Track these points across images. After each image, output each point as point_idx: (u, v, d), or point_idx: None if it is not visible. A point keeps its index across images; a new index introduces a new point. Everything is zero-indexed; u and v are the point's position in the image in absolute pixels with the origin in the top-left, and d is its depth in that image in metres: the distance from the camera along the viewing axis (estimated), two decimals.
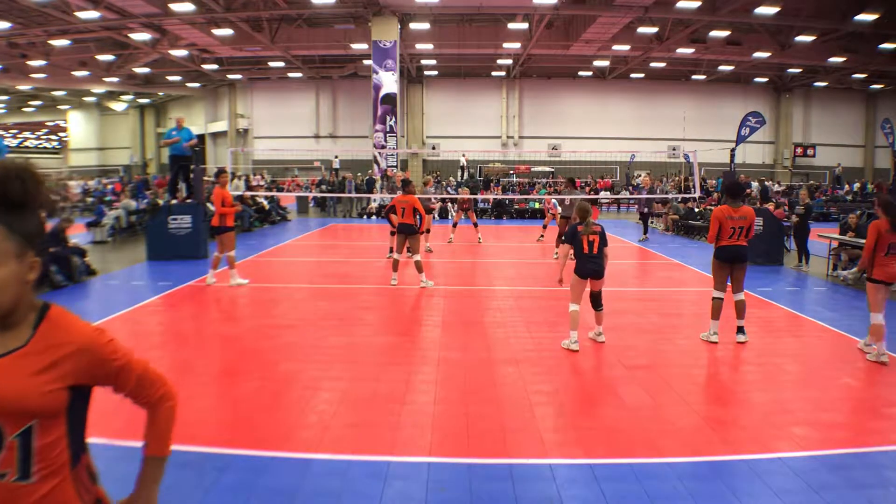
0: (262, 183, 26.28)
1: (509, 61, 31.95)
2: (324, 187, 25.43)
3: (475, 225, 15.72)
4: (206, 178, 15.27)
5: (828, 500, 3.53)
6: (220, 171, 10.30)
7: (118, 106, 43.17)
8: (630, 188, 27.70)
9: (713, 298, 6.76)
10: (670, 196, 19.24)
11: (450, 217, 20.83)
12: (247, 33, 26.26)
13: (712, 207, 14.38)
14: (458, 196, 15.93)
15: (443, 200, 21.38)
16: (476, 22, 28.23)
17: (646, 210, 17.28)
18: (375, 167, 26.24)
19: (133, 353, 1.61)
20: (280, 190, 27.03)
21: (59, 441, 1.47)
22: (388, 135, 26.07)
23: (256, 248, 14.25)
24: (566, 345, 6.53)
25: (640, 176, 27.65)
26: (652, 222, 20.55)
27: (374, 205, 22.81)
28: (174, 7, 22.06)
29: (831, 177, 32.01)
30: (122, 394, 1.62)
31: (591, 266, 6.52)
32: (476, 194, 22.15)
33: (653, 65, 32.16)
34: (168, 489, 3.50)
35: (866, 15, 22.27)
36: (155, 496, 1.69)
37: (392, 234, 12.46)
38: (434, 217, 21.34)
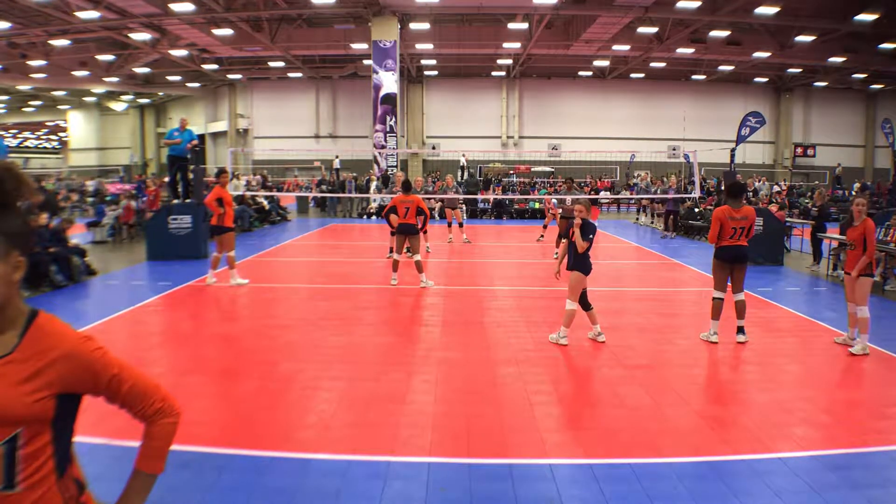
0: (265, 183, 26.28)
1: (509, 61, 31.94)
2: (324, 187, 25.43)
3: (460, 225, 15.62)
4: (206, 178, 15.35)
5: (828, 500, 3.53)
6: (221, 171, 10.35)
7: (118, 106, 43.18)
8: (630, 188, 27.69)
9: (713, 298, 6.76)
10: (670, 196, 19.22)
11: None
12: (247, 33, 26.26)
13: (712, 208, 14.39)
14: (446, 198, 15.90)
15: (441, 201, 21.36)
16: (476, 22, 28.23)
17: (672, 207, 17.35)
18: (375, 167, 26.23)
19: (125, 364, 1.57)
20: (279, 190, 27.00)
21: (43, 450, 1.45)
22: (388, 135, 26.06)
23: (256, 248, 14.25)
24: (554, 339, 6.59)
25: (638, 175, 27.63)
26: (652, 222, 20.57)
27: (374, 205, 22.80)
28: (174, 7, 22.05)
29: (831, 177, 32.02)
30: (115, 405, 1.58)
31: (590, 262, 6.55)
32: (476, 194, 22.16)
33: (653, 65, 32.15)
34: (168, 489, 3.51)
35: (866, 15, 22.26)
36: None
37: (392, 234, 12.46)
38: (434, 216, 21.36)
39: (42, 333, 1.45)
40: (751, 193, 22.04)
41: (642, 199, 21.60)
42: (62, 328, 1.48)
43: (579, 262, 6.47)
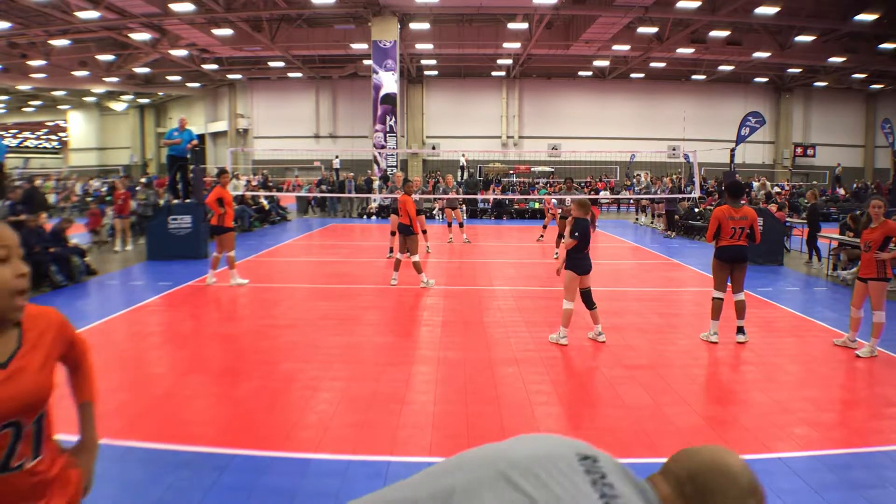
0: (265, 183, 26.25)
1: (509, 61, 31.95)
2: (324, 187, 25.43)
3: (461, 225, 15.62)
4: (208, 178, 15.30)
5: (828, 500, 3.53)
6: (222, 171, 10.34)
7: (118, 106, 43.17)
8: (629, 188, 27.70)
9: (713, 298, 6.76)
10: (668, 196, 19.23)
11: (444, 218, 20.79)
12: (247, 33, 26.26)
13: (711, 208, 14.38)
14: (447, 198, 15.94)
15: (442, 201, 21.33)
16: (476, 22, 28.23)
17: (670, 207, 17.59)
18: (375, 167, 26.23)
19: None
20: (279, 190, 27.00)
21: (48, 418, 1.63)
22: (388, 135, 26.06)
23: (256, 248, 14.25)
24: (554, 339, 6.59)
25: (636, 176, 27.67)
26: (652, 222, 20.57)
27: (374, 205, 22.80)
28: (174, 7, 22.06)
29: (831, 177, 32.04)
30: (67, 363, 1.77)
31: (587, 262, 6.57)
32: (476, 194, 22.16)
33: (653, 65, 32.15)
34: (168, 489, 3.52)
35: (866, 15, 22.27)
36: (97, 436, 1.86)
37: (392, 234, 12.47)
38: (434, 217, 21.36)
39: (32, 319, 1.59)
40: (764, 196, 21.83)
41: (641, 199, 21.60)
42: (40, 308, 1.65)
43: (572, 261, 6.52)
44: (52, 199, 24.72)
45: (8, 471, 1.47)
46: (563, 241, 12.73)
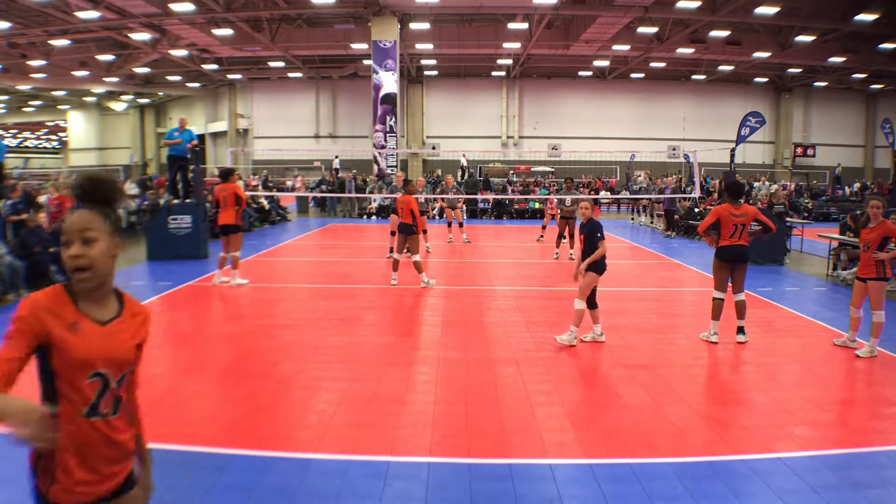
0: (263, 183, 26.24)
1: (509, 61, 31.95)
2: (323, 187, 25.41)
3: (461, 225, 15.61)
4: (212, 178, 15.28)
5: (828, 500, 3.53)
6: (231, 171, 10.24)
7: (118, 106, 43.18)
8: (628, 188, 27.69)
9: (713, 299, 6.75)
10: (668, 196, 19.22)
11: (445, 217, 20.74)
12: (247, 33, 26.27)
13: (711, 208, 14.37)
14: (445, 198, 15.96)
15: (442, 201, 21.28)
16: (476, 22, 28.24)
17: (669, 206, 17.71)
18: (375, 167, 26.24)
19: None
20: (280, 190, 26.98)
21: (133, 384, 1.97)
22: (388, 135, 26.06)
23: (256, 248, 14.25)
24: (563, 340, 6.55)
25: (639, 176, 27.65)
26: (652, 222, 20.57)
27: (374, 205, 22.80)
28: (174, 7, 22.06)
29: (831, 177, 32.04)
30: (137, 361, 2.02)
31: (604, 262, 6.60)
32: (476, 194, 22.16)
33: (653, 65, 32.16)
34: (168, 489, 3.52)
35: (866, 15, 22.27)
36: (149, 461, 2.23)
37: (392, 234, 12.46)
38: (434, 217, 21.35)
39: (129, 302, 1.96)
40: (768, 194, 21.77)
41: (641, 199, 21.60)
42: (134, 299, 1.99)
43: (595, 263, 6.52)
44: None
45: (94, 415, 1.82)
46: (563, 240, 12.76)
